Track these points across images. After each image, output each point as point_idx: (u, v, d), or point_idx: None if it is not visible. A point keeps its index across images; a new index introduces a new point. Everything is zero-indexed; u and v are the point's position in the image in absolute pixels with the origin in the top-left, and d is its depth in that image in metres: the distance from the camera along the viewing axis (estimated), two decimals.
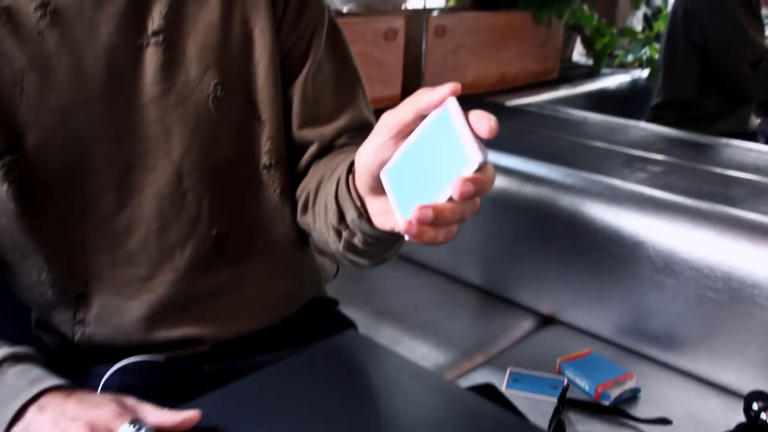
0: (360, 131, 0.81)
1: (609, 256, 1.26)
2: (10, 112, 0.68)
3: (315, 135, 0.80)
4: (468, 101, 1.86)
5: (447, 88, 0.49)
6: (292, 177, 0.82)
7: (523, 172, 1.42)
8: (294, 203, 0.82)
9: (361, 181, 0.59)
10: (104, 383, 0.77)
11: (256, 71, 0.77)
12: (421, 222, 0.48)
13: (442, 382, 0.85)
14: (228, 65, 0.75)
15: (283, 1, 0.77)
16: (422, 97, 0.50)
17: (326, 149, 0.81)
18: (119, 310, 0.78)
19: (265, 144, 0.79)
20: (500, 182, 1.42)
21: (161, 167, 0.74)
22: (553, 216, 1.34)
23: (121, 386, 0.76)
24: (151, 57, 0.72)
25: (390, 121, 0.53)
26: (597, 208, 1.28)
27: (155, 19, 0.72)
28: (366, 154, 0.56)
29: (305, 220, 0.79)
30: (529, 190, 1.38)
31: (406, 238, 0.50)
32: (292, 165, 0.82)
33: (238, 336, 0.84)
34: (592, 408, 1.08)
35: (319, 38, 0.80)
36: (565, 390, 1.10)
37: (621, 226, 1.25)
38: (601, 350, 1.24)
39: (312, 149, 0.80)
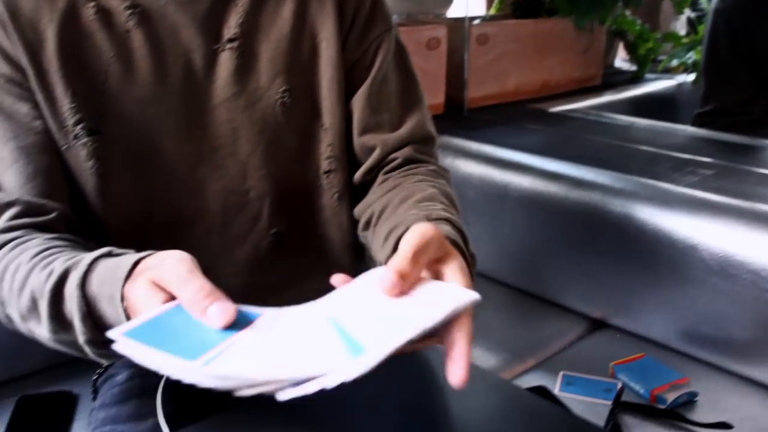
0: (424, 144, 0.84)
1: (661, 260, 1.24)
2: (95, 98, 0.73)
3: (377, 141, 0.82)
4: (511, 108, 1.85)
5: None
6: (356, 187, 0.84)
7: (571, 176, 1.41)
8: (351, 209, 0.84)
9: None
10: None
11: (321, 81, 0.80)
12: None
13: (500, 381, 0.85)
14: (296, 74, 0.79)
15: (350, 18, 0.81)
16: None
17: (389, 157, 0.82)
18: None
19: (326, 150, 0.81)
20: (548, 187, 1.42)
21: (228, 165, 0.77)
22: (603, 220, 1.33)
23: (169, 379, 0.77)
24: (226, 61, 0.76)
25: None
26: (648, 211, 1.27)
27: (231, 27, 0.76)
28: None
29: (365, 236, 0.81)
30: (578, 194, 1.38)
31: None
32: (354, 172, 0.84)
33: None
34: (648, 411, 1.07)
35: (384, 53, 0.83)
36: (620, 393, 1.08)
37: (673, 229, 1.23)
38: (654, 354, 1.23)
39: (375, 155, 0.82)
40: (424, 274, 0.53)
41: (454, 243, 0.59)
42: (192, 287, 0.50)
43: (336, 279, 0.57)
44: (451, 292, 0.50)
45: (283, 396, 0.40)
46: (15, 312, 0.65)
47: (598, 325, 1.38)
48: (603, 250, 1.34)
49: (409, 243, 0.52)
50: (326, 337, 0.46)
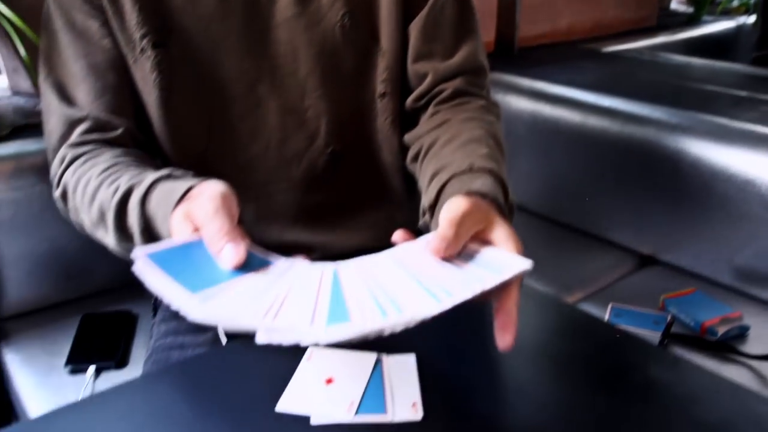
0: (475, 75, 0.84)
1: (715, 195, 1.22)
2: (161, 13, 0.75)
3: (429, 67, 0.83)
4: (563, 47, 1.81)
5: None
6: (407, 114, 0.85)
7: (624, 111, 1.39)
8: (402, 134, 0.85)
9: None
10: None
11: (381, 5, 0.81)
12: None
13: (555, 300, 0.86)
14: None
15: None
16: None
17: (440, 87, 0.82)
18: None
19: (382, 73, 0.82)
20: (600, 122, 1.40)
21: (287, 84, 0.79)
22: (656, 156, 1.31)
23: None
24: None
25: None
26: (703, 146, 1.25)
27: None
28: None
29: (414, 167, 0.82)
30: (631, 129, 1.36)
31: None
32: (406, 98, 0.85)
33: (346, 249, 0.87)
34: (698, 343, 1.07)
35: None
36: (669, 324, 1.08)
37: (729, 164, 1.21)
38: (704, 290, 1.22)
39: (426, 82, 0.83)
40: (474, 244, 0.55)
41: (493, 200, 0.60)
42: (213, 226, 0.53)
43: (397, 235, 0.58)
44: (505, 261, 0.51)
45: (260, 339, 0.43)
46: (87, 220, 0.71)
47: (647, 261, 1.37)
48: (655, 186, 1.32)
49: (447, 219, 0.54)
50: (318, 299, 0.48)
